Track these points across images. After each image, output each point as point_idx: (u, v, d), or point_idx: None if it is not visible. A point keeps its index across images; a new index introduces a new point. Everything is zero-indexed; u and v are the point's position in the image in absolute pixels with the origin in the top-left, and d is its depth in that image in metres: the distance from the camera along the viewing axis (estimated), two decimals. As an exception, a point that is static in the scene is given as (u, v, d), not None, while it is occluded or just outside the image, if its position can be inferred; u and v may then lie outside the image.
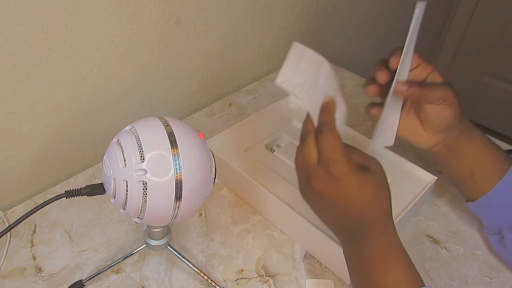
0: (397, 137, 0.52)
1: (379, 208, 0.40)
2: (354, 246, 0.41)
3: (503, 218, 0.49)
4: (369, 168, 0.41)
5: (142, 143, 0.37)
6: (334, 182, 0.39)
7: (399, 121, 0.51)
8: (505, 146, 0.72)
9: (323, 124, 0.41)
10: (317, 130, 0.42)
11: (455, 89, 0.48)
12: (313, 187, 0.41)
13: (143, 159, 0.36)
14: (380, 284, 0.38)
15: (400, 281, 0.38)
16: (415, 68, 0.49)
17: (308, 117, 0.43)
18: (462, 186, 0.52)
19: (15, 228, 0.43)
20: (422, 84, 0.48)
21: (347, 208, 0.40)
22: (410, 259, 0.40)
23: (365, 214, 0.40)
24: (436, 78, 0.49)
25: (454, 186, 0.55)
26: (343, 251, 0.43)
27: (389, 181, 0.58)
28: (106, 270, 0.50)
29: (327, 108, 0.42)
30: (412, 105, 0.51)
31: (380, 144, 0.51)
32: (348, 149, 0.42)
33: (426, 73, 0.49)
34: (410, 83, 0.47)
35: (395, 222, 0.51)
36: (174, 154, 0.37)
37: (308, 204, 0.44)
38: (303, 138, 0.42)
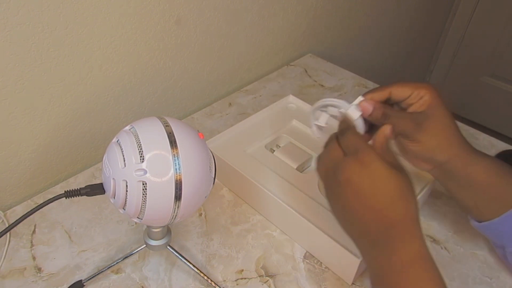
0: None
1: (406, 209, 0.38)
2: (378, 253, 0.38)
3: (507, 241, 0.46)
4: (397, 167, 0.39)
5: (141, 143, 0.37)
6: (364, 168, 0.38)
7: None
8: (505, 146, 0.72)
9: (345, 128, 0.43)
10: (339, 134, 0.42)
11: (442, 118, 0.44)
12: (340, 178, 0.39)
13: (143, 159, 0.36)
14: None
15: None
16: (407, 98, 0.46)
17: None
18: (466, 211, 0.49)
19: (15, 228, 0.43)
20: (388, 113, 0.44)
21: (375, 201, 0.38)
22: (441, 275, 0.37)
23: (393, 212, 0.37)
24: (419, 106, 0.45)
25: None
26: (365, 259, 0.40)
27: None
28: (105, 270, 0.50)
29: (344, 120, 0.45)
30: None
31: None
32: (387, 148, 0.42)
33: (417, 100, 0.45)
34: (376, 105, 0.44)
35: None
36: (174, 154, 0.37)
37: (331, 206, 0.42)
38: (325, 146, 0.43)
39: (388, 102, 0.47)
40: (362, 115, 0.45)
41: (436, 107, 0.45)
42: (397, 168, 0.39)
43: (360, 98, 0.45)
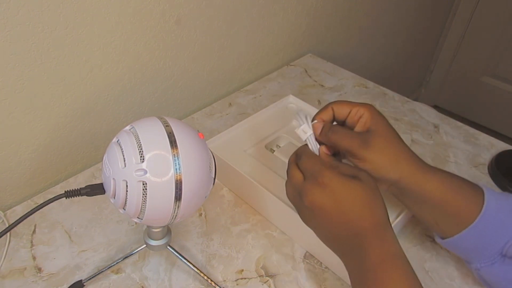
0: None
1: (373, 215, 0.39)
2: (353, 260, 0.40)
3: (470, 258, 0.47)
4: (357, 176, 0.40)
5: (142, 143, 0.37)
6: (323, 189, 0.39)
7: None
8: (505, 146, 0.72)
9: (301, 152, 0.44)
10: (297, 158, 0.44)
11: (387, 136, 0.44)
12: (305, 202, 0.40)
13: (143, 159, 0.36)
14: None
15: None
16: (347, 115, 0.47)
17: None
18: (428, 227, 0.49)
19: (15, 228, 0.43)
20: (335, 130, 0.45)
21: (340, 217, 0.39)
22: (413, 271, 0.38)
23: (359, 222, 0.39)
24: (362, 125, 0.45)
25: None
26: (346, 267, 0.42)
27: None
28: (105, 270, 0.50)
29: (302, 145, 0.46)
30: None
31: None
32: (335, 162, 0.43)
33: (357, 118, 0.46)
34: (325, 124, 0.45)
35: (395, 222, 0.51)
36: (174, 154, 0.37)
37: (311, 229, 0.43)
38: (287, 172, 0.45)
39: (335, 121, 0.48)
40: (314, 134, 0.45)
41: (378, 124, 0.45)
42: (357, 176, 0.40)
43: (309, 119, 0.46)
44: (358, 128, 0.46)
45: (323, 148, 0.45)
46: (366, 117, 0.45)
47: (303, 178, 0.42)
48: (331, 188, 0.39)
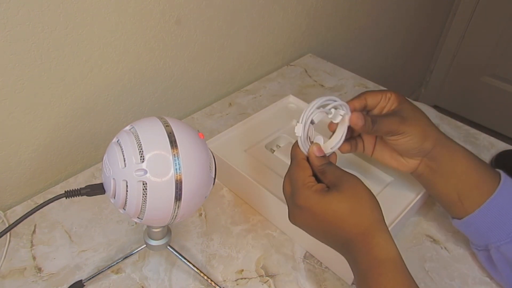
0: None
1: (356, 224, 0.39)
2: (349, 261, 0.41)
3: (489, 237, 0.48)
4: (338, 185, 0.40)
5: (142, 143, 0.37)
6: (301, 210, 0.40)
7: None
8: (505, 146, 0.72)
9: (291, 159, 0.45)
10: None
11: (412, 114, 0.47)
12: (290, 220, 0.43)
13: (143, 159, 0.36)
14: None
15: None
16: (377, 104, 0.49)
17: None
18: (449, 207, 0.51)
19: (15, 228, 0.43)
20: (375, 120, 0.46)
21: (324, 231, 0.40)
22: (406, 273, 0.38)
23: (342, 234, 0.39)
24: (390, 105, 0.49)
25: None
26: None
27: (389, 181, 0.58)
28: (106, 270, 0.50)
29: (293, 148, 0.45)
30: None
31: None
32: (322, 167, 0.42)
33: (387, 101, 0.49)
34: (364, 117, 0.45)
35: (395, 223, 0.51)
36: (174, 154, 0.37)
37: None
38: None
39: (365, 110, 0.50)
40: (302, 137, 0.44)
41: (405, 102, 0.49)
42: (338, 185, 0.40)
43: (312, 111, 0.44)
44: (387, 109, 0.49)
45: (314, 150, 0.43)
46: (394, 98, 0.49)
47: (290, 193, 0.42)
48: (308, 209, 0.40)
